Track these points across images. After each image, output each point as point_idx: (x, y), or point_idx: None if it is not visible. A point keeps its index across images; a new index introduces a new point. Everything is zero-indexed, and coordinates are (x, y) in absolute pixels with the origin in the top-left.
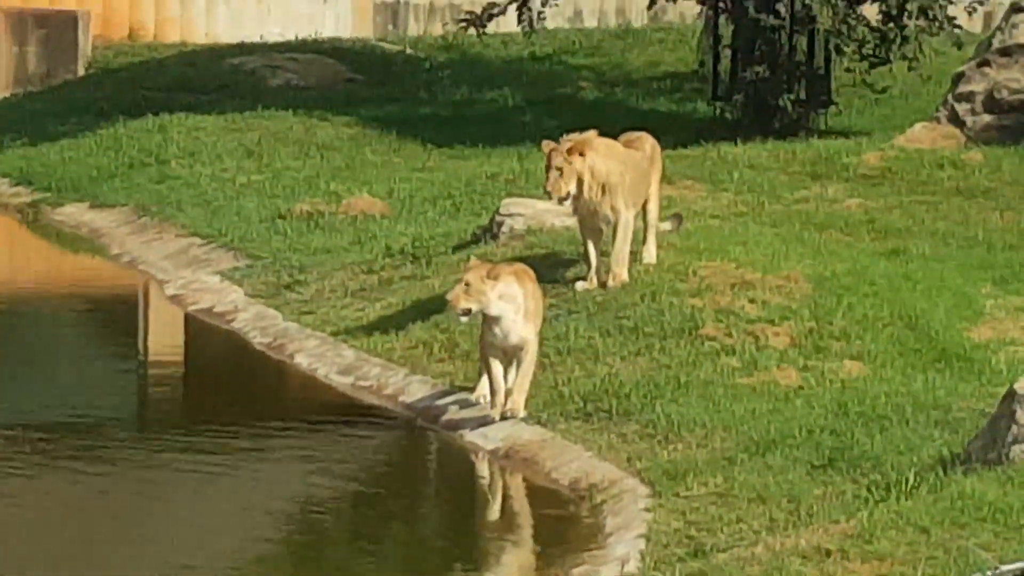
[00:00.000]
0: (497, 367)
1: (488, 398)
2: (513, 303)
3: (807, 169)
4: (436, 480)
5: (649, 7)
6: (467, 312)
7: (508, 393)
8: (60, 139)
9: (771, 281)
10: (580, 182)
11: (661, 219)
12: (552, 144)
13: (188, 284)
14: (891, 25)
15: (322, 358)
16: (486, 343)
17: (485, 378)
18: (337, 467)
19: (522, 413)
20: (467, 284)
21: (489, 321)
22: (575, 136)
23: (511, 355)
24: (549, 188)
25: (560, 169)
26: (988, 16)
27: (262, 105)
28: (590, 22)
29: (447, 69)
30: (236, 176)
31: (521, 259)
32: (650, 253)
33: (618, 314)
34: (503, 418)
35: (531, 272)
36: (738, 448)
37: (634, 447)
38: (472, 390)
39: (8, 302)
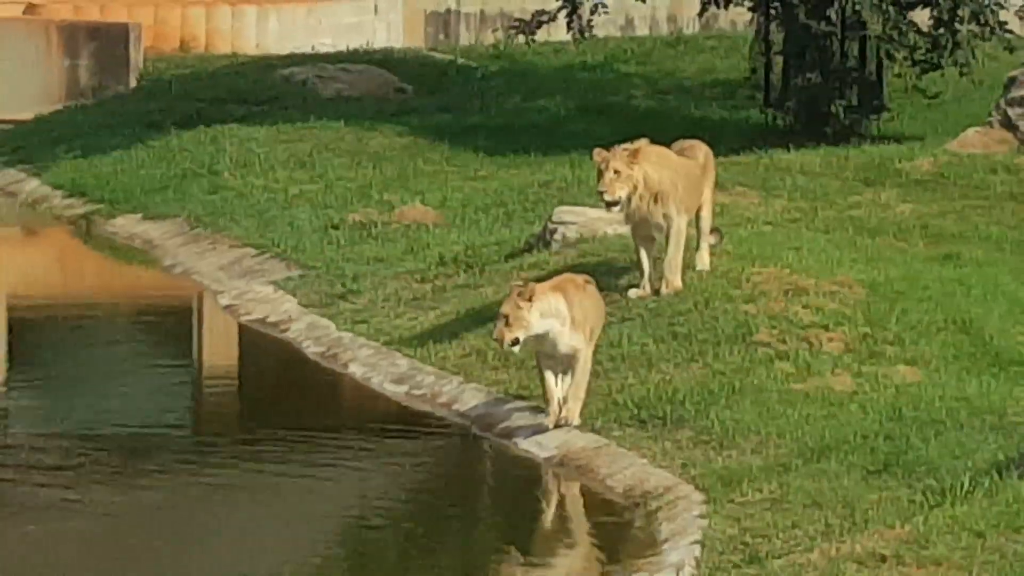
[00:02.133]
0: (550, 376)
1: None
2: (557, 316)
3: (860, 175)
4: (491, 488)
5: (700, 14)
6: (516, 342)
7: (562, 401)
8: (112, 151)
9: (825, 287)
10: (634, 189)
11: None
12: (604, 152)
13: (242, 294)
14: (943, 31)
15: (376, 367)
16: (538, 353)
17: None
18: (393, 475)
19: (576, 421)
20: (505, 316)
21: (538, 336)
22: (627, 145)
23: (564, 364)
24: (603, 188)
25: (618, 172)
26: None
27: (314, 115)
28: (641, 30)
29: (499, 78)
30: (288, 186)
31: (574, 267)
32: (703, 260)
33: (671, 321)
34: (557, 426)
35: (578, 280)
36: (793, 454)
37: (688, 454)
38: (525, 398)
39: (64, 314)
